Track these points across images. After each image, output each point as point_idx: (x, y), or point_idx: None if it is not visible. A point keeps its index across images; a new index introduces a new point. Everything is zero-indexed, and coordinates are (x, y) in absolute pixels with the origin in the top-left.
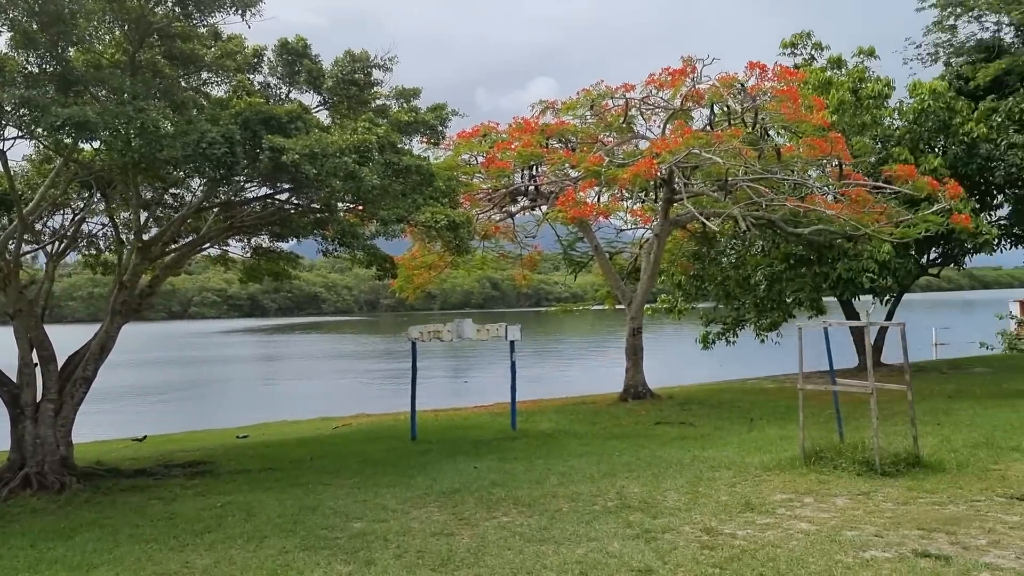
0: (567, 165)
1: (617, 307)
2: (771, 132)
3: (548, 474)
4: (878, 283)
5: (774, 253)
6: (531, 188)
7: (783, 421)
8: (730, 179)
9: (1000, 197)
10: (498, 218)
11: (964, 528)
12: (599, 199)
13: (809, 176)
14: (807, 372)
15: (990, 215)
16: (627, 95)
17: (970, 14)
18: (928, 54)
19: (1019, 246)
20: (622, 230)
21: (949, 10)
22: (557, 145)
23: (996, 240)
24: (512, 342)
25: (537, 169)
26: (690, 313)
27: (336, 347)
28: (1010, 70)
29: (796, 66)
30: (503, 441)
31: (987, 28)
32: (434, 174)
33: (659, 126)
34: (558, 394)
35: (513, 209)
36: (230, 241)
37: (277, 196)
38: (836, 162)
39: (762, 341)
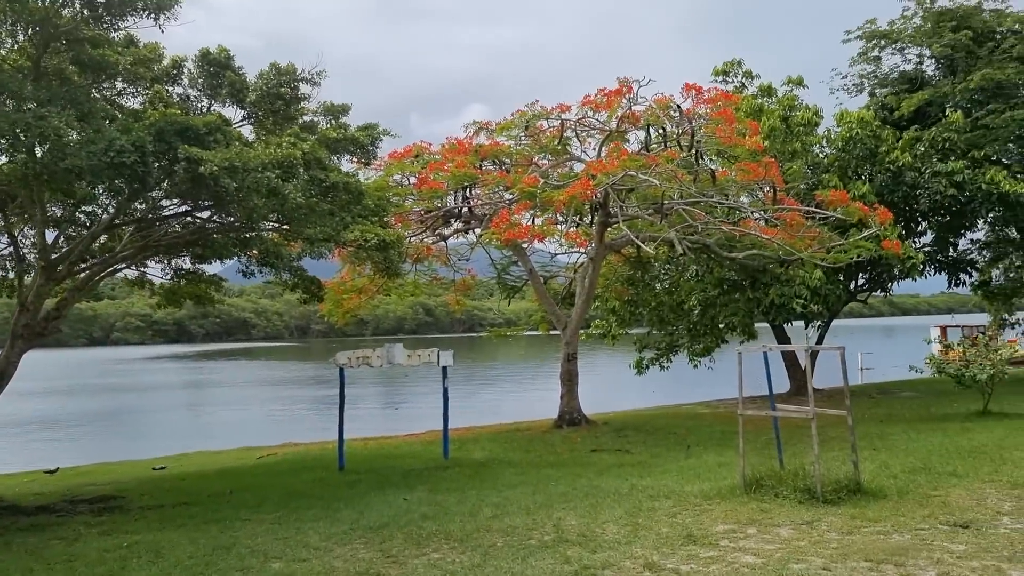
0: (502, 187)
1: (551, 332)
2: (705, 157)
3: (481, 506)
4: (809, 309)
5: (708, 278)
6: (465, 210)
7: (720, 447)
8: (666, 202)
9: (924, 224)
10: (431, 241)
11: (912, 559)
12: (533, 221)
13: (743, 201)
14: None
15: (915, 242)
16: (562, 116)
17: (893, 46)
18: (854, 84)
19: (942, 272)
20: (556, 254)
21: (873, 42)
22: (491, 167)
23: (922, 265)
24: (444, 368)
25: (471, 191)
26: (624, 338)
27: (263, 374)
28: (932, 101)
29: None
30: (435, 471)
31: (909, 60)
32: (363, 192)
33: (595, 148)
34: (492, 421)
35: (446, 232)
36: (149, 263)
37: (197, 214)
38: (769, 187)
39: (695, 366)
